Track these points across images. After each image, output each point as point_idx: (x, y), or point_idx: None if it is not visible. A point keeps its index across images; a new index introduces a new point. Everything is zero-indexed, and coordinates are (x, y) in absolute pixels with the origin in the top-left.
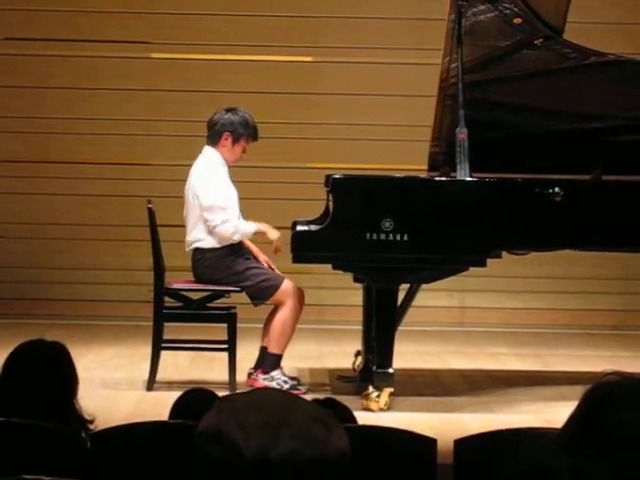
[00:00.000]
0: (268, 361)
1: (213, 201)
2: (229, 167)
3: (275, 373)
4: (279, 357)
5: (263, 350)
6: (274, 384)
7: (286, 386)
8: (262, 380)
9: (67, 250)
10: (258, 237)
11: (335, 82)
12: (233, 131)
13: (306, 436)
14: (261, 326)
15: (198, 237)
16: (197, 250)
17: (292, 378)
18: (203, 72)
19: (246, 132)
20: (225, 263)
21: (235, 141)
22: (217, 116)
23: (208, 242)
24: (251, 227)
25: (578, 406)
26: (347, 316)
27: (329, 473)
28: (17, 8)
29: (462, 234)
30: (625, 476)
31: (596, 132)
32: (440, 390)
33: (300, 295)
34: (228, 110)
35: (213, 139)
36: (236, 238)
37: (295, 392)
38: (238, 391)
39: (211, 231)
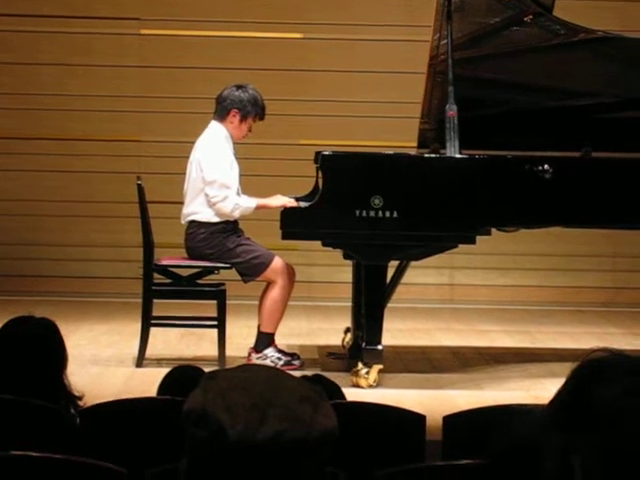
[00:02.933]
0: (261, 340)
1: (216, 177)
2: (234, 143)
3: (268, 351)
4: (271, 335)
5: (258, 329)
6: (268, 362)
7: (280, 362)
8: (255, 359)
9: (57, 227)
10: (257, 215)
11: (324, 59)
12: (241, 108)
13: (293, 416)
14: (250, 302)
15: (196, 210)
16: (192, 223)
17: (288, 354)
18: (193, 49)
19: (254, 110)
20: (217, 239)
21: (243, 119)
22: (226, 92)
23: (205, 215)
24: (252, 203)
25: (566, 382)
26: (336, 293)
27: (316, 452)
28: None
29: (451, 211)
30: (613, 451)
31: (585, 109)
32: (429, 367)
33: (290, 272)
34: (238, 87)
35: (221, 114)
36: (236, 214)
37: (289, 367)
38: (227, 367)
39: (211, 206)
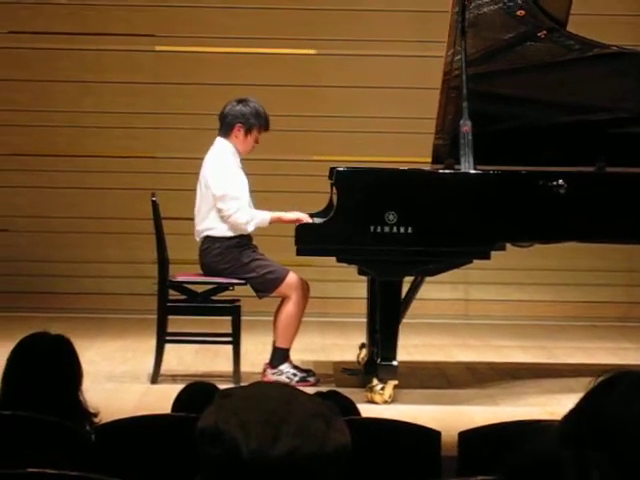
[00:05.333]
0: (276, 355)
1: (225, 191)
2: (241, 158)
3: (283, 367)
4: (286, 351)
5: (273, 345)
6: (283, 377)
7: (296, 378)
8: (271, 375)
9: (72, 243)
10: (271, 230)
11: (338, 75)
12: (245, 122)
13: (306, 433)
14: (265, 318)
15: (210, 226)
16: (207, 238)
17: (303, 370)
18: (208, 65)
19: (258, 122)
20: (232, 254)
21: (247, 132)
22: (228, 108)
23: (219, 231)
24: (266, 216)
25: (581, 399)
26: (351, 309)
27: (329, 468)
28: (22, 2)
29: (466, 227)
30: (630, 465)
31: (600, 124)
32: (444, 383)
33: (305, 288)
34: (239, 101)
35: (225, 131)
36: (250, 228)
37: (305, 383)
38: (242, 383)
39: (225, 220)
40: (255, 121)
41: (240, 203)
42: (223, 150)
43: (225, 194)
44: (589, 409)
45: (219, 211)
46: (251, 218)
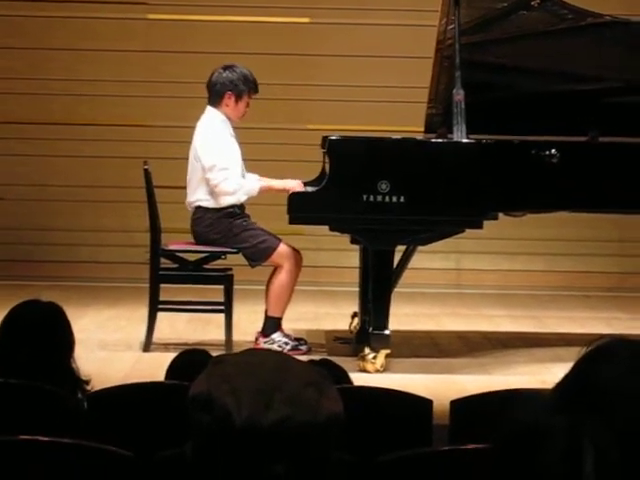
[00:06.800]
0: (268, 324)
1: (214, 161)
2: (233, 125)
3: (275, 335)
4: (278, 320)
5: (265, 314)
6: (275, 346)
7: (287, 347)
8: (263, 343)
9: (66, 212)
10: (264, 199)
11: (332, 44)
12: (234, 88)
13: (298, 401)
14: (257, 287)
15: (201, 197)
16: (199, 208)
17: (295, 339)
18: (200, 33)
19: (247, 87)
20: (224, 224)
21: (238, 98)
22: (215, 76)
23: (211, 202)
24: (255, 185)
25: (572, 367)
26: (343, 278)
27: (322, 437)
28: None
29: (458, 196)
30: (622, 428)
31: (593, 94)
32: (436, 352)
33: (297, 257)
34: (225, 68)
35: (215, 99)
36: (241, 197)
37: (296, 352)
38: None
39: (213, 191)
40: (244, 86)
41: (228, 173)
42: (213, 120)
43: (214, 165)
44: (579, 375)
45: (208, 181)
46: (239, 187)
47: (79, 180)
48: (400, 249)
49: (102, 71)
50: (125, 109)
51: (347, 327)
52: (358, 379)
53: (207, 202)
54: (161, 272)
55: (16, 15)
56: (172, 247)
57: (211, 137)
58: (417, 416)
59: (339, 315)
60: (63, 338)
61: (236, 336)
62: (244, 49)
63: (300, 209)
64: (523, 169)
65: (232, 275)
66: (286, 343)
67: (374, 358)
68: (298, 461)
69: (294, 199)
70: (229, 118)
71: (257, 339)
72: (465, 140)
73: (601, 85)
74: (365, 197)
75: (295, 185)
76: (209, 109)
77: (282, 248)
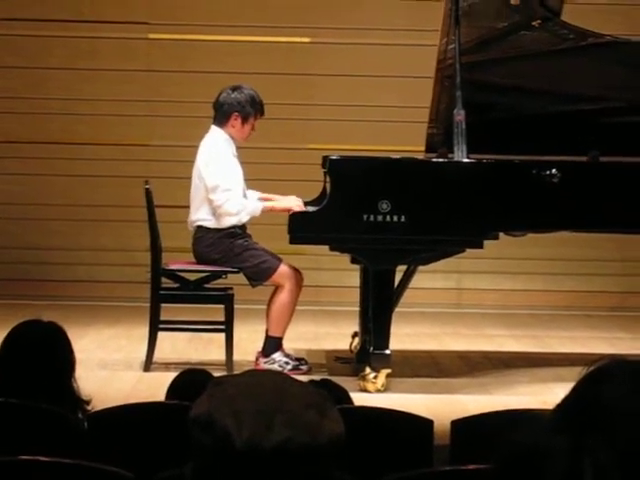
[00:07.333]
0: (268, 344)
1: (217, 182)
2: (237, 146)
3: (276, 355)
4: (279, 339)
5: (266, 333)
6: (276, 366)
7: (288, 367)
8: (263, 363)
9: (65, 231)
10: (264, 219)
11: (332, 63)
12: (241, 110)
13: (299, 423)
14: (258, 307)
15: (203, 217)
16: (200, 228)
17: (296, 358)
18: (201, 53)
19: (254, 109)
20: (225, 244)
21: (244, 120)
22: (223, 96)
23: (212, 222)
24: (258, 206)
25: (577, 384)
26: (344, 297)
27: (323, 458)
28: None
29: (459, 215)
30: (623, 447)
31: (593, 113)
32: (437, 371)
33: (298, 277)
34: (233, 89)
35: (221, 120)
36: (243, 218)
37: (297, 372)
38: (235, 372)
39: (216, 212)
40: (251, 109)
41: (231, 194)
42: (217, 140)
43: (217, 185)
44: (580, 395)
45: (210, 202)
46: (242, 208)
47: (78, 199)
48: (401, 269)
49: (102, 90)
50: (125, 128)
51: (348, 347)
52: (359, 399)
53: (209, 222)
54: (162, 291)
55: (15, 34)
56: (173, 266)
57: (215, 157)
58: (418, 436)
59: (340, 335)
60: (64, 358)
61: (237, 356)
62: (245, 69)
63: (301, 229)
64: (524, 189)
65: (233, 295)
66: (287, 363)
67: (375, 378)
68: None
69: (295, 219)
70: (233, 138)
71: (258, 359)
72: (466, 160)
73: (602, 105)
74: (366, 217)
75: (296, 205)
76: (214, 128)
77: (283, 268)
